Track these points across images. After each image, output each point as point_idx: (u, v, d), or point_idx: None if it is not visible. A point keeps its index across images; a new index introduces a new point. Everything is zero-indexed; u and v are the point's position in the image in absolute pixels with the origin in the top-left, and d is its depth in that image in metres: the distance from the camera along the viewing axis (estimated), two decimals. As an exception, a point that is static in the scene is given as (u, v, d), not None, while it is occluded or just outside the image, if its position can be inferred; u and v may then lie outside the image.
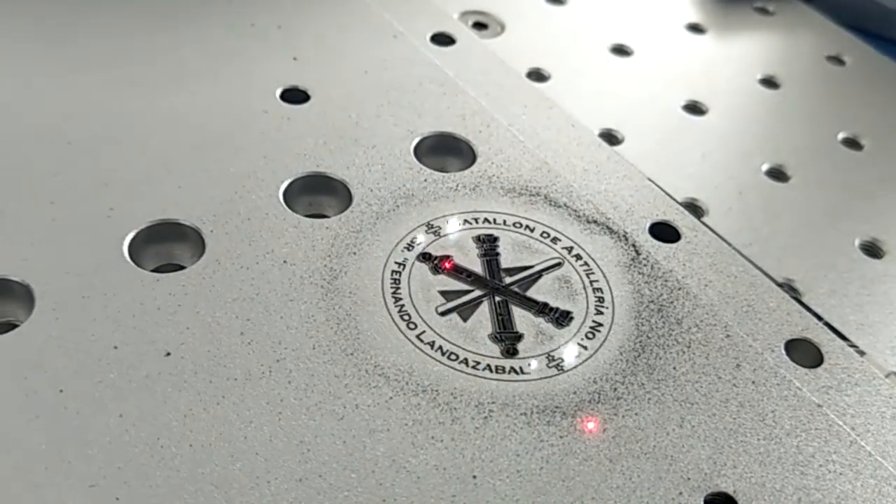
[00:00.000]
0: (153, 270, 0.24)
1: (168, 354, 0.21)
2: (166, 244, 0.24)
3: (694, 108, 0.37)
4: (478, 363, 0.22)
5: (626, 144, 0.34)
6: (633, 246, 0.26)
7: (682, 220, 0.28)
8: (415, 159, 0.28)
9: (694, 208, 0.32)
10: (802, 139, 0.37)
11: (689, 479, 0.21)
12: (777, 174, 0.35)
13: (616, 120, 0.35)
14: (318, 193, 0.27)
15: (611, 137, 0.35)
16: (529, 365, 0.22)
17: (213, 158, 0.26)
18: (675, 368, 0.23)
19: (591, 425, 0.21)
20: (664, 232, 0.27)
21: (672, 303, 0.25)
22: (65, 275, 0.22)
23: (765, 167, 0.35)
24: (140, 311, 0.22)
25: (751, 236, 0.32)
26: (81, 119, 0.27)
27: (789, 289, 0.30)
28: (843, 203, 0.34)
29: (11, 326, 0.22)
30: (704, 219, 0.32)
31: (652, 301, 0.24)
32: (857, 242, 0.32)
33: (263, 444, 0.20)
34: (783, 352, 0.24)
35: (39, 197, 0.24)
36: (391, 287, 0.24)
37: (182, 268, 0.24)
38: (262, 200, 0.25)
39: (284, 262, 0.24)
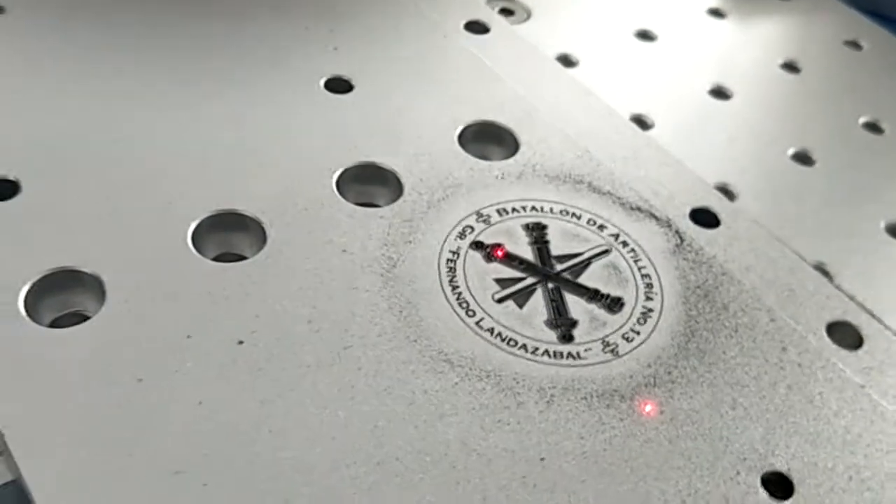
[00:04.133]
0: (214, 260, 0.24)
1: (241, 343, 0.22)
2: (226, 234, 0.25)
3: (719, 93, 0.38)
4: (536, 349, 0.23)
5: (656, 129, 0.35)
6: (677, 233, 0.27)
7: (721, 205, 0.28)
8: (460, 148, 0.28)
9: (725, 192, 0.33)
10: (825, 123, 0.37)
11: (745, 458, 0.21)
12: (803, 158, 0.35)
13: (645, 105, 0.36)
14: (368, 183, 0.27)
15: (641, 122, 0.35)
16: (586, 350, 0.23)
17: (264, 151, 0.27)
18: (724, 352, 0.24)
19: (648, 408, 0.22)
20: (704, 217, 0.28)
21: (717, 288, 0.25)
22: (132, 266, 0.23)
23: (790, 151, 0.36)
24: (209, 301, 0.23)
25: (780, 220, 0.33)
26: (131, 120, 0.28)
27: (821, 272, 0.30)
28: (867, 186, 0.35)
29: (82, 318, 0.22)
30: (735, 203, 0.33)
31: (698, 287, 0.25)
32: (882, 225, 0.33)
33: (339, 429, 0.20)
34: (825, 334, 0.25)
35: (100, 190, 0.25)
36: (447, 275, 0.24)
37: (243, 258, 0.24)
38: (316, 191, 0.26)
39: (343, 251, 0.24)
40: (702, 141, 0.35)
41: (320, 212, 0.25)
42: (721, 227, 0.28)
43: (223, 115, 0.28)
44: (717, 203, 0.28)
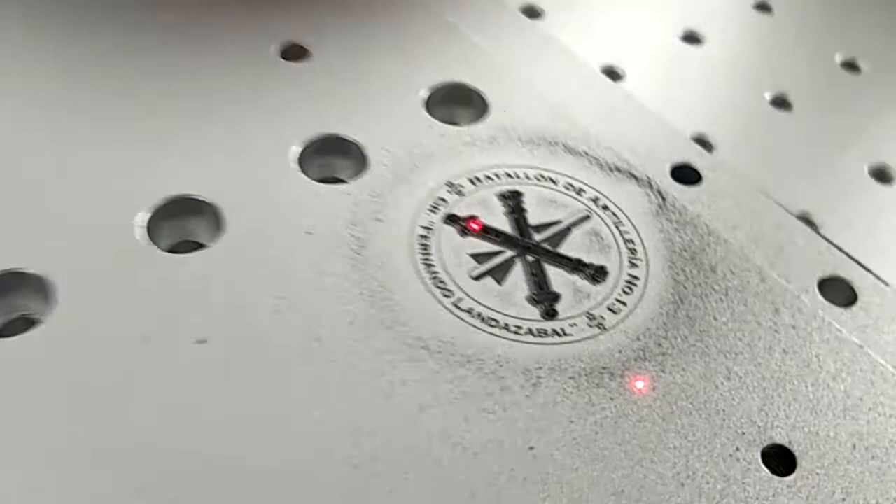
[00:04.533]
0: (169, 250, 0.23)
1: (202, 342, 0.20)
2: (181, 221, 0.23)
3: (691, 38, 0.36)
4: (519, 328, 0.22)
5: (628, 80, 0.34)
6: (659, 192, 0.25)
7: (702, 160, 0.27)
8: (427, 114, 0.27)
9: (703, 143, 0.32)
10: (801, 65, 0.36)
11: (743, 433, 0.20)
12: (780, 102, 0.34)
13: (615, 54, 0.34)
14: (330, 155, 0.25)
15: (612, 73, 0.34)
16: (571, 325, 0.22)
17: (216, 127, 0.25)
18: (715, 318, 0.23)
19: (640, 384, 0.21)
20: (685, 174, 0.27)
21: (704, 249, 0.24)
22: (80, 264, 0.21)
23: (768, 95, 0.34)
24: (165, 298, 0.21)
25: (761, 168, 0.31)
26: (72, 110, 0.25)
27: (806, 222, 0.29)
28: (848, 129, 0.34)
29: (29, 322, 0.21)
30: (714, 154, 0.31)
31: (684, 249, 0.24)
32: (866, 168, 0.32)
33: (314, 431, 0.19)
34: (817, 292, 0.24)
35: (41, 193, 0.23)
36: (421, 253, 0.23)
37: (201, 246, 0.23)
38: (275, 168, 0.24)
39: (308, 233, 0.23)
40: (675, 90, 0.34)
41: (280, 191, 0.24)
42: (703, 184, 0.26)
43: (168, 88, 0.26)
44: (697, 157, 0.27)
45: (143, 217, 0.22)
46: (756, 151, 0.32)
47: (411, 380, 0.20)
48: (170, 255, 0.22)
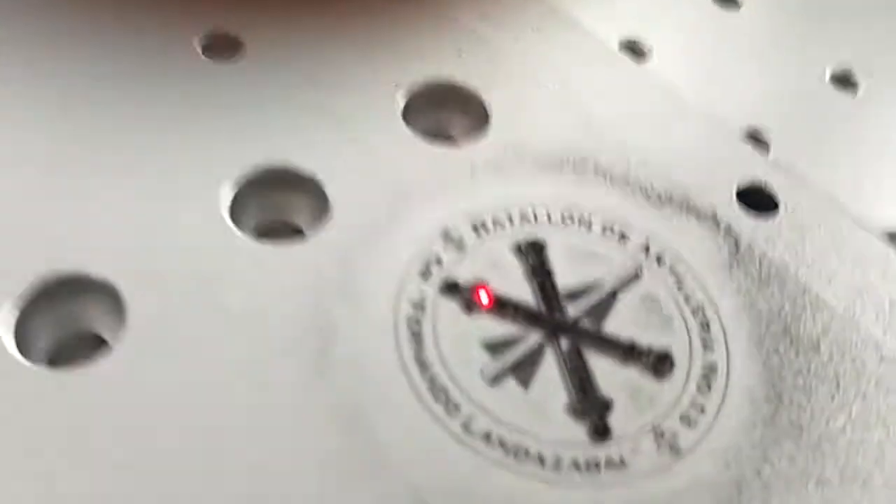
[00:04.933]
0: (51, 360, 0.16)
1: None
2: (67, 307, 0.16)
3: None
4: (559, 460, 0.15)
5: (654, 59, 0.27)
6: (730, 232, 0.19)
7: (776, 176, 0.20)
8: (405, 127, 0.19)
9: (757, 142, 0.25)
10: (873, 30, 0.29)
11: None
12: (843, 81, 0.27)
13: (638, 28, 0.27)
14: (276, 193, 0.18)
15: (634, 51, 0.27)
16: (633, 450, 0.15)
17: (103, 158, 0.18)
18: (828, 423, 0.16)
19: (739, 541, 0.14)
20: (756, 198, 0.20)
21: (799, 316, 0.18)
22: None
23: (828, 71, 0.27)
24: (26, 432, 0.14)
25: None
26: None
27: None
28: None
29: None
30: (773, 157, 0.25)
31: (773, 319, 0.17)
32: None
33: None
34: (951, 368, 0.17)
35: None
36: (411, 346, 0.16)
37: (98, 339, 0.16)
38: (197, 217, 0.17)
39: (245, 320, 0.16)
40: (712, 69, 0.27)
41: (204, 256, 0.16)
42: (782, 212, 0.19)
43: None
44: (770, 174, 0.20)
45: (7, 315, 0.15)
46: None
47: (408, 562, 0.14)
48: (41, 369, 0.15)
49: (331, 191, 0.18)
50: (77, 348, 0.16)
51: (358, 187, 0.18)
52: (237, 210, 0.18)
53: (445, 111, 0.20)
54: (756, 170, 0.20)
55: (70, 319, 0.16)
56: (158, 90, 0.19)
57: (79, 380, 0.15)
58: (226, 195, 0.17)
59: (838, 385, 0.17)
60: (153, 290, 0.16)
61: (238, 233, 0.17)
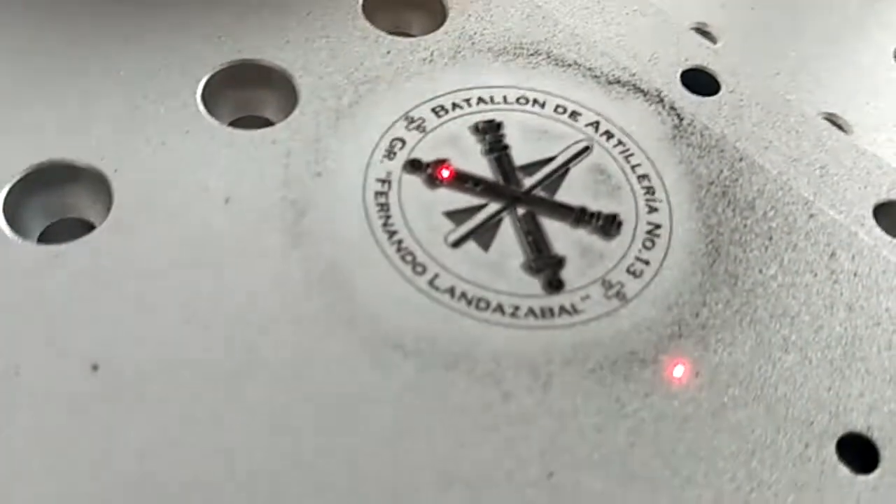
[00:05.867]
0: (42, 236, 0.17)
1: (95, 368, 0.15)
2: (56, 192, 0.17)
3: None
4: (517, 308, 0.16)
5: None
6: (673, 108, 0.20)
7: (717, 60, 0.22)
8: (368, 24, 0.21)
9: (704, 36, 0.26)
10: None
11: (812, 423, 0.16)
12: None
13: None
14: (247, 89, 0.20)
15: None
16: (584, 298, 0.17)
17: (85, 58, 0.19)
18: (761, 271, 0.18)
19: (679, 371, 0.16)
20: (699, 80, 0.21)
21: (737, 181, 0.19)
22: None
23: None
24: (40, 308, 0.15)
25: (770, 64, 0.26)
26: None
27: (834, 126, 0.24)
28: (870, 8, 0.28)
29: None
30: (719, 48, 0.26)
31: (712, 182, 0.19)
32: (893, 49, 0.27)
33: (270, 481, 0.14)
34: (874, 223, 0.19)
35: None
36: (379, 216, 0.17)
37: (86, 224, 0.17)
38: (174, 111, 0.18)
39: (226, 200, 0.17)
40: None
41: (183, 142, 0.18)
42: (722, 92, 0.21)
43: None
44: (711, 57, 0.22)
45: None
46: (761, 42, 0.27)
47: (384, 397, 0.15)
48: (39, 246, 0.16)
49: (299, 80, 0.19)
50: (67, 233, 0.17)
51: (326, 77, 0.19)
52: (212, 104, 0.19)
53: (403, 7, 0.22)
54: (700, 55, 0.22)
55: (60, 206, 0.17)
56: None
57: (70, 252, 0.16)
58: (198, 86, 0.19)
59: (771, 238, 0.18)
60: (137, 174, 0.17)
61: (214, 121, 0.18)
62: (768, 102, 0.21)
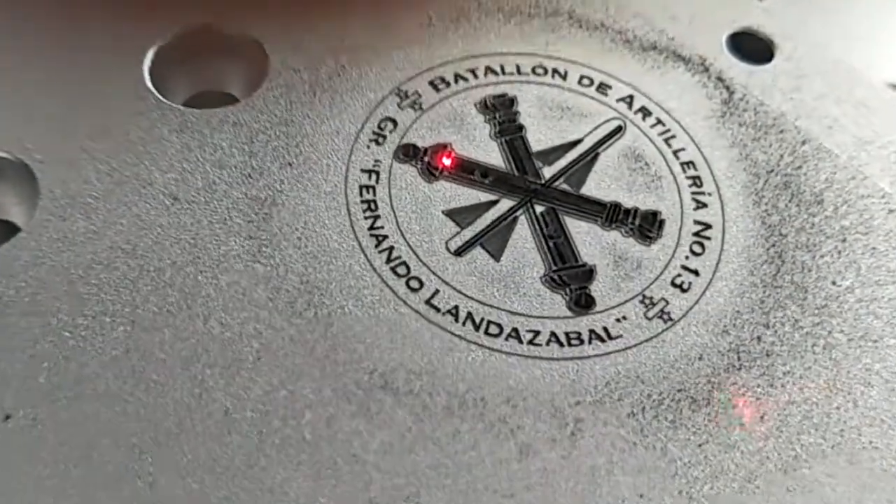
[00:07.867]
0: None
1: (7, 418, 0.12)
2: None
3: None
4: (536, 333, 0.13)
5: None
6: (721, 79, 0.17)
7: (770, 21, 0.18)
8: (352, -22, 0.17)
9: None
10: None
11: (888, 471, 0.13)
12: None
13: None
14: (206, 59, 0.16)
15: None
16: (619, 320, 0.14)
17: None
18: (834, 283, 0.14)
19: (740, 413, 0.13)
20: (749, 46, 0.18)
21: (800, 168, 0.16)
22: None
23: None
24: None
25: (829, 24, 0.23)
26: None
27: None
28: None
29: None
30: (768, 5, 0.22)
31: (771, 170, 0.16)
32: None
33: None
34: (965, 219, 0.16)
35: None
36: (366, 216, 0.14)
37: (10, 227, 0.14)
38: (119, 86, 0.15)
39: (175, 199, 0.14)
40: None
41: (127, 126, 0.14)
42: (777, 59, 0.17)
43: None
44: (764, 19, 0.18)
45: None
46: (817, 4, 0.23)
47: (369, 447, 0.12)
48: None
49: (270, 48, 0.16)
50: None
51: (299, 43, 0.16)
52: (162, 79, 0.15)
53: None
54: (750, 15, 0.18)
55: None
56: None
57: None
58: (147, 60, 0.15)
59: (844, 240, 0.15)
60: (70, 167, 0.14)
61: (164, 101, 0.15)
62: (829, 71, 0.18)
